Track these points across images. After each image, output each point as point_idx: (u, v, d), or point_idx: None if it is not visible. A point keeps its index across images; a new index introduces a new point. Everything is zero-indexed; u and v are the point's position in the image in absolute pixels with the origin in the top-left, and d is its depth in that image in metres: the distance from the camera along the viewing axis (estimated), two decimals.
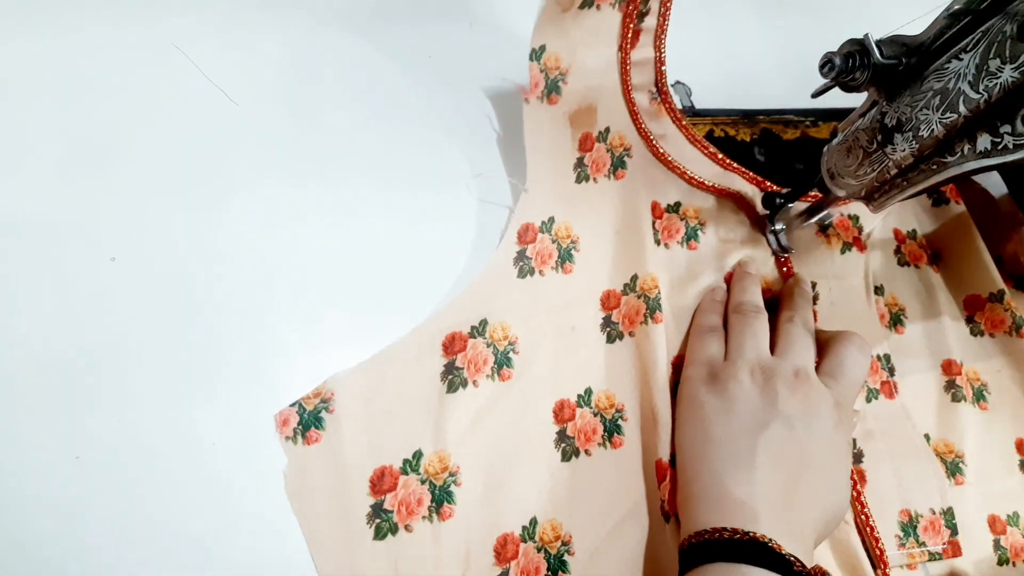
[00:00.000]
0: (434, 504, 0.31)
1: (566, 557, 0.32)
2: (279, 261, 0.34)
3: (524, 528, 0.32)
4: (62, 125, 0.35)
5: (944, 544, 0.36)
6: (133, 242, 0.33)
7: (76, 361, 0.30)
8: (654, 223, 0.40)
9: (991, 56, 0.25)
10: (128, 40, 0.38)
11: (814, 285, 0.42)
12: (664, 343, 0.36)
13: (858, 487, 0.36)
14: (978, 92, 0.25)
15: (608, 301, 0.38)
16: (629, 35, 0.42)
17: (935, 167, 0.29)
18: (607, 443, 0.34)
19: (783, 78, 0.49)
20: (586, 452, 0.34)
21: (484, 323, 0.35)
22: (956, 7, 0.27)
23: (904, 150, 0.29)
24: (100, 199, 0.33)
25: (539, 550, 0.31)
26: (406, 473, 0.32)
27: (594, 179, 0.41)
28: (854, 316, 0.42)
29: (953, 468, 0.39)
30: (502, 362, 0.35)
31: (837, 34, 0.54)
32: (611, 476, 0.34)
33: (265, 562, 0.29)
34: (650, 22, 0.43)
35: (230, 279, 0.33)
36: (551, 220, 0.39)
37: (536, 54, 0.40)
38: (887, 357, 0.41)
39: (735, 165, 0.43)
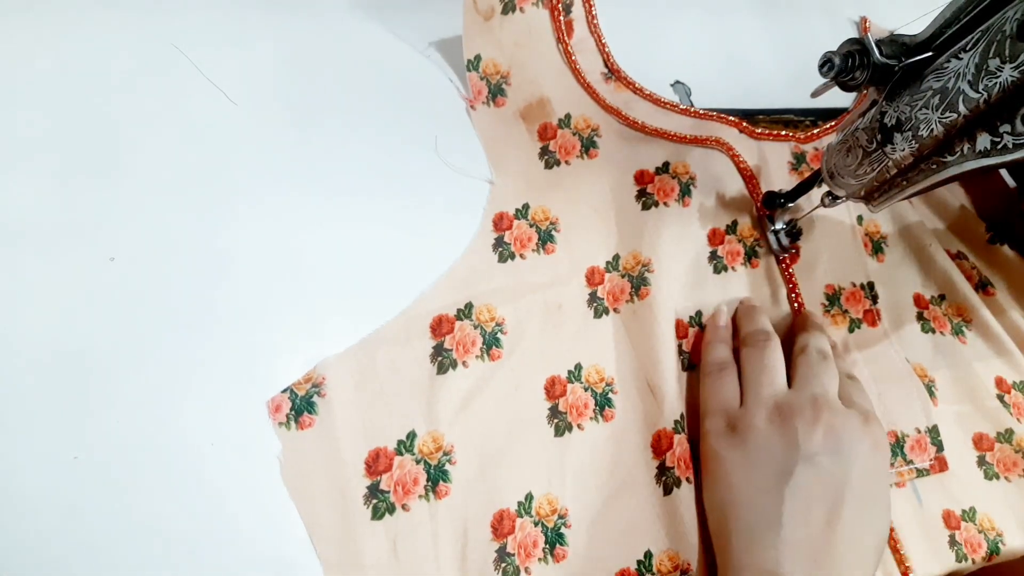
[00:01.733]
0: (430, 483, 0.31)
1: (563, 530, 0.32)
2: (278, 261, 0.34)
3: (520, 504, 0.32)
4: (62, 125, 0.34)
5: (931, 460, 0.37)
6: (132, 242, 0.32)
7: (75, 361, 0.30)
8: (645, 189, 0.41)
9: (991, 55, 0.24)
10: (128, 40, 0.37)
11: (795, 221, 0.42)
12: (662, 317, 0.37)
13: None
14: (978, 91, 0.25)
15: (593, 277, 0.38)
16: (562, 27, 0.43)
17: (935, 167, 0.29)
18: (599, 416, 0.35)
19: (783, 78, 0.49)
20: (579, 427, 0.34)
21: (469, 306, 0.35)
22: (954, 7, 0.27)
23: (904, 150, 0.29)
24: (99, 199, 0.33)
25: (536, 524, 0.32)
26: (401, 454, 0.32)
27: (566, 162, 0.41)
28: (840, 246, 0.43)
29: (927, 390, 0.40)
30: (490, 343, 0.35)
31: (837, 34, 0.55)
32: (604, 449, 0.34)
33: (264, 562, 0.29)
34: (578, 11, 0.44)
35: (229, 279, 0.33)
36: (525, 207, 0.39)
37: (472, 64, 0.41)
38: (871, 285, 0.42)
39: (710, 113, 0.44)
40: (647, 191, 0.41)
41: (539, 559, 0.31)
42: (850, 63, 0.29)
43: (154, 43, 0.37)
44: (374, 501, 0.31)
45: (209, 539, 0.28)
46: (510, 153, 0.41)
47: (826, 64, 0.29)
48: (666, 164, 0.42)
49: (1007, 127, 0.25)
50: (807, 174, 0.43)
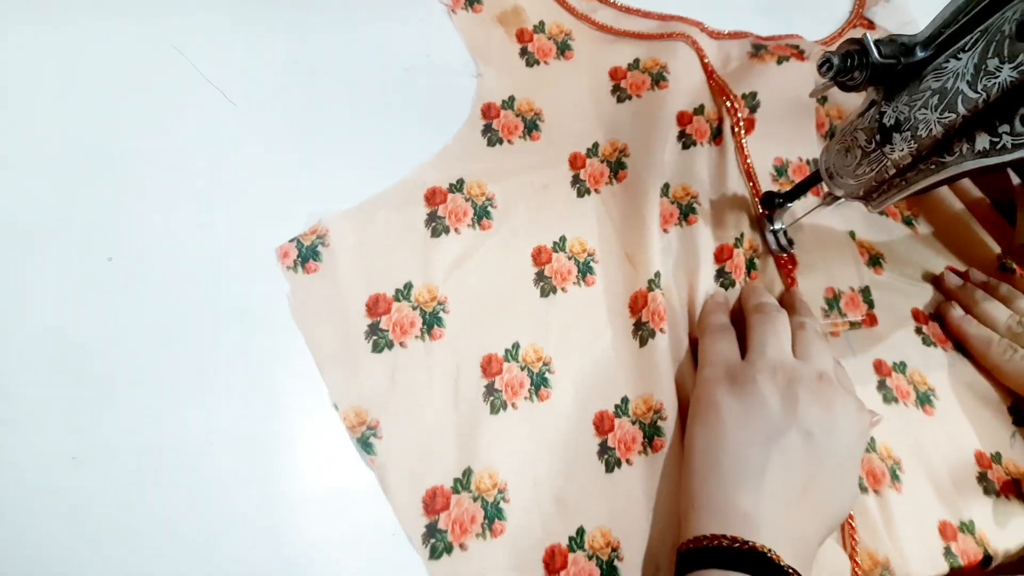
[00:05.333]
0: (425, 326, 0.34)
1: (547, 375, 0.35)
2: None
3: (507, 351, 0.35)
4: (61, 125, 0.33)
5: (863, 315, 0.40)
6: (131, 242, 0.31)
7: (74, 361, 0.29)
8: (619, 84, 0.44)
9: (989, 56, 0.24)
10: (127, 40, 0.35)
11: (755, 95, 0.44)
12: (639, 196, 0.39)
13: (792, 274, 0.40)
14: (976, 92, 0.25)
15: (575, 162, 0.41)
16: None
17: (933, 167, 0.28)
18: (581, 282, 0.38)
19: None
20: (562, 290, 0.37)
21: (461, 182, 0.38)
22: (953, 7, 0.27)
23: (903, 150, 0.29)
24: (98, 199, 0.32)
25: (523, 369, 0.35)
26: (398, 300, 0.34)
27: (544, 62, 0.44)
28: (796, 124, 0.45)
29: (873, 261, 0.43)
30: (481, 214, 0.37)
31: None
32: (586, 309, 0.37)
33: (264, 561, 0.29)
34: None
35: (228, 279, 0.32)
36: (511, 99, 0.41)
37: None
38: (815, 161, 0.44)
39: (671, 15, 0.47)
40: (621, 86, 0.44)
41: (525, 397, 0.34)
42: (849, 63, 0.29)
43: (154, 44, 0.36)
44: (374, 337, 0.33)
45: (209, 539, 0.28)
46: (493, 51, 0.42)
47: (825, 64, 0.29)
48: (636, 61, 0.44)
49: (1006, 127, 0.25)
50: (767, 59, 0.45)
